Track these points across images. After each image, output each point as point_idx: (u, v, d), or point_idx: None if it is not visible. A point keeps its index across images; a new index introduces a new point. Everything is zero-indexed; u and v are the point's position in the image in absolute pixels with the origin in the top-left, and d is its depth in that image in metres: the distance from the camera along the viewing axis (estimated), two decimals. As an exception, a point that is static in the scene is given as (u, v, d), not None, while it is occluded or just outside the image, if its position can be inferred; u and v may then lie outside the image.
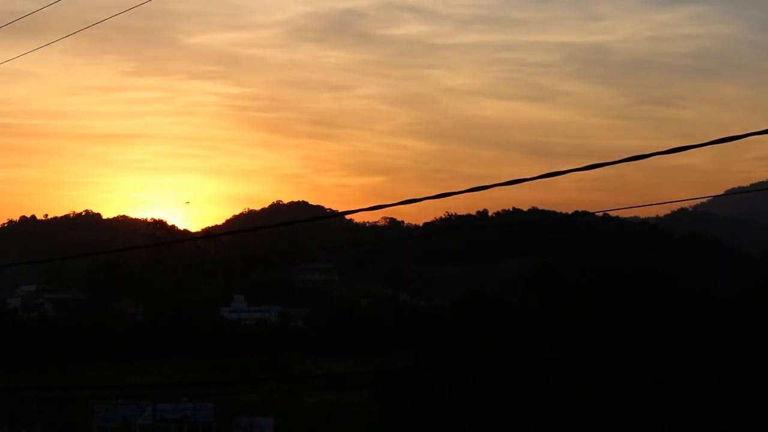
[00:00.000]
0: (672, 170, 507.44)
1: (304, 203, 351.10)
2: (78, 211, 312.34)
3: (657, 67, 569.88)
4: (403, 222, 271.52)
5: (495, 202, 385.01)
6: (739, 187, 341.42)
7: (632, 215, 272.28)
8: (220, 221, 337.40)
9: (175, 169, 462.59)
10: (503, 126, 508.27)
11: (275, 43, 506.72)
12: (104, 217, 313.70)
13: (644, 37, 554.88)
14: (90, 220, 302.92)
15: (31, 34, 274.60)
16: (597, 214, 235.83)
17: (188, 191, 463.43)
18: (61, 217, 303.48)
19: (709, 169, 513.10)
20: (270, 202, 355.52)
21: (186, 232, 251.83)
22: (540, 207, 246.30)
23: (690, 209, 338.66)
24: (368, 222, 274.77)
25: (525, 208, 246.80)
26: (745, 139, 10.21)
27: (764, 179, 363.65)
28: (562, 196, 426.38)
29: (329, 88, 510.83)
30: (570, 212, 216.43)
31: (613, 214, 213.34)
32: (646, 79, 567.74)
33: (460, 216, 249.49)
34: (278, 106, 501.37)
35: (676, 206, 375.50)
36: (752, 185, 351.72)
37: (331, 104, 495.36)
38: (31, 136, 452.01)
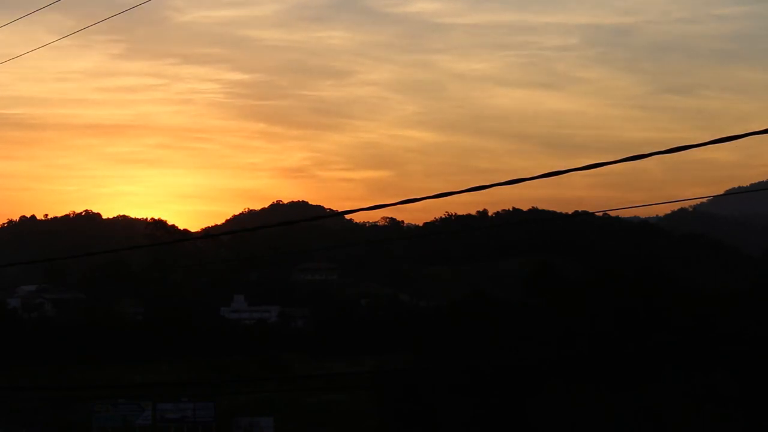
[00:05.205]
0: (692, 164, 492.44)
1: (304, 203, 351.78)
2: (78, 211, 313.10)
3: (684, 51, 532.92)
4: (403, 222, 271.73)
5: (496, 200, 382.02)
6: (739, 187, 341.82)
7: (632, 215, 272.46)
8: (220, 220, 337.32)
9: (172, 163, 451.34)
10: (515, 116, 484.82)
11: (274, 22, 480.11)
12: (104, 217, 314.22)
13: (674, 18, 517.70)
14: (90, 220, 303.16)
15: (15, 13, 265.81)
16: (597, 214, 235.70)
17: (186, 186, 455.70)
18: (61, 217, 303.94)
19: (732, 162, 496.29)
20: (270, 201, 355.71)
21: (186, 232, 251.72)
22: (540, 207, 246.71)
23: (690, 209, 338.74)
24: (368, 222, 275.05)
25: (525, 208, 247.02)
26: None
27: (764, 179, 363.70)
28: (573, 194, 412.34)
29: (333, 73, 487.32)
30: (570, 212, 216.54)
31: (613, 214, 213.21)
32: (671, 65, 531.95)
33: (460, 216, 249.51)
34: (279, 94, 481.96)
35: (676, 206, 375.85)
36: (752, 185, 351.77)
37: (334, 92, 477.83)
38: (17, 126, 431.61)
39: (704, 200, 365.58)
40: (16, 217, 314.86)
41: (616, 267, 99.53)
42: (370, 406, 69.01)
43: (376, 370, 72.15)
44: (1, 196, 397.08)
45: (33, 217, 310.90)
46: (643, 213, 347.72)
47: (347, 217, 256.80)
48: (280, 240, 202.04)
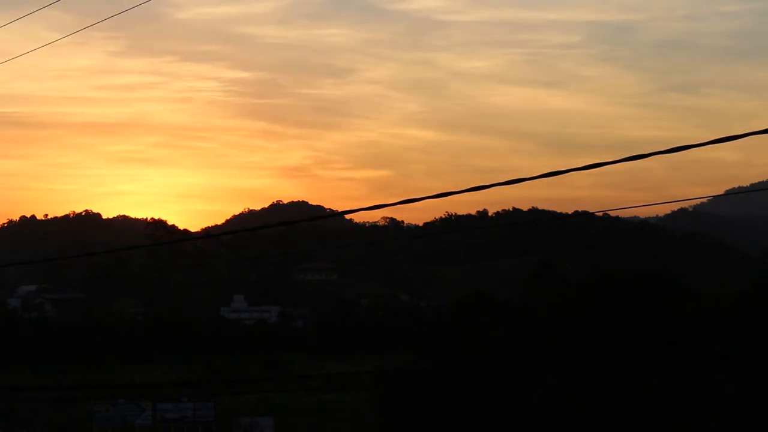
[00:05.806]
0: (693, 164, 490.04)
1: (304, 203, 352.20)
2: (77, 210, 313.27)
3: (688, 49, 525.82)
4: (403, 222, 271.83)
5: (496, 200, 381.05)
6: (739, 187, 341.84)
7: (632, 215, 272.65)
8: (220, 220, 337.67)
9: (172, 162, 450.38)
10: (517, 115, 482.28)
11: (274, 19, 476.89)
12: (104, 216, 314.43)
13: (677, 15, 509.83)
14: (90, 220, 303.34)
15: (14, 11, 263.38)
16: (597, 214, 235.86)
17: (186, 186, 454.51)
18: (61, 217, 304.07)
19: (733, 161, 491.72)
20: (270, 201, 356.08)
21: (186, 231, 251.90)
22: (540, 207, 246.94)
23: (690, 209, 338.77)
24: (368, 222, 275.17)
25: (525, 208, 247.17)
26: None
27: (765, 179, 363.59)
28: (573, 194, 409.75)
29: (333, 71, 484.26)
30: (570, 212, 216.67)
31: (613, 214, 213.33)
32: (674, 63, 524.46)
33: (460, 216, 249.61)
34: (279, 92, 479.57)
35: (676, 206, 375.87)
36: (752, 185, 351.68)
37: (334, 90, 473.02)
38: (16, 125, 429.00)
39: (704, 200, 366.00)
40: (16, 217, 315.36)
41: (616, 267, 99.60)
42: (370, 406, 68.96)
43: (376, 370, 72.04)
44: (1, 196, 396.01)
45: (33, 217, 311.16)
46: (643, 213, 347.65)
47: (347, 217, 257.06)
48: (280, 240, 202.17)
